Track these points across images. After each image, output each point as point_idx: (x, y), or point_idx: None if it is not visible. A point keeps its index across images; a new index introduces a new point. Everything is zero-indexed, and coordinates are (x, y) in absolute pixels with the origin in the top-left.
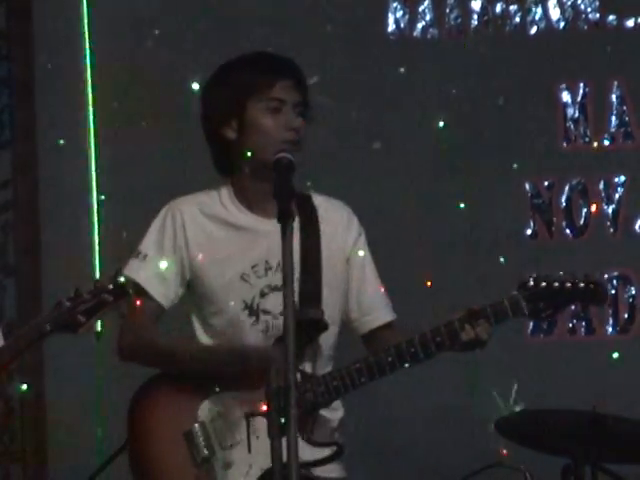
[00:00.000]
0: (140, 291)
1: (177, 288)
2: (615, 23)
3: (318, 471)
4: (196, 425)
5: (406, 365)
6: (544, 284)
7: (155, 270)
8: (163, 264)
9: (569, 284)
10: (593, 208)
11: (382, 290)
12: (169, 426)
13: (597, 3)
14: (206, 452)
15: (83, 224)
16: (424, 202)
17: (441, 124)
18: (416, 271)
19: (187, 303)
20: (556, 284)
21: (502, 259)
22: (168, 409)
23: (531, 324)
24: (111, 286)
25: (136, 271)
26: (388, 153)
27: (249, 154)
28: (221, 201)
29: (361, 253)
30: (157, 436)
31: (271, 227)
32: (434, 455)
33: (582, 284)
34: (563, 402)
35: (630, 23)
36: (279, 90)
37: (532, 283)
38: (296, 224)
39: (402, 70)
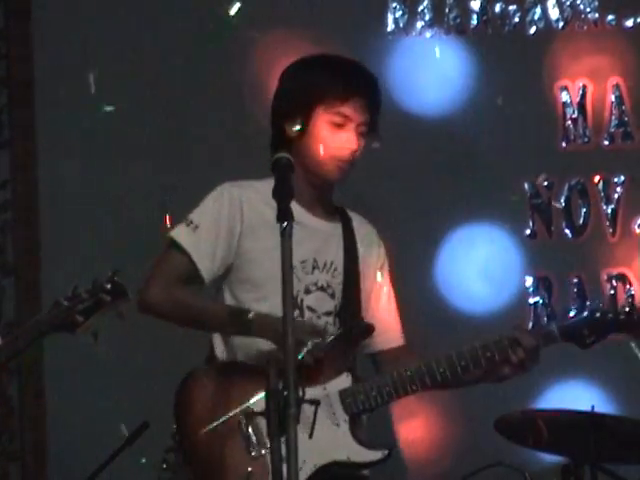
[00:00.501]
0: (185, 254)
1: (220, 268)
2: (614, 23)
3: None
4: (250, 416)
5: (456, 375)
6: (588, 315)
7: (205, 242)
8: (216, 240)
9: (611, 315)
10: (592, 209)
11: (397, 315)
12: (222, 415)
13: (596, 3)
14: (258, 444)
15: (83, 224)
16: (423, 200)
17: (439, 123)
18: (417, 266)
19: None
20: (598, 315)
21: (501, 258)
22: (221, 399)
23: (530, 323)
24: (109, 286)
25: (184, 236)
26: (389, 151)
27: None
28: (258, 190)
29: (386, 274)
30: (211, 403)
31: (321, 226)
32: (434, 455)
33: (623, 316)
34: (563, 402)
35: (629, 23)
36: (349, 107)
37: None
38: (339, 230)
39: (401, 69)
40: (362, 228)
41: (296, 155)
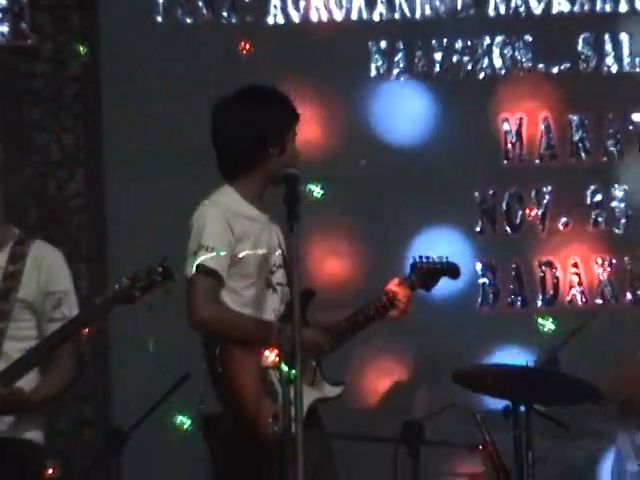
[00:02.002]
0: (215, 276)
1: (227, 271)
2: (544, 69)
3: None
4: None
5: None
6: (426, 266)
7: (222, 259)
8: (224, 255)
9: (439, 265)
10: (527, 211)
11: None
12: (249, 365)
13: (530, 54)
14: (275, 389)
15: (139, 223)
16: (398, 208)
17: (411, 149)
18: (392, 261)
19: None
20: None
21: (458, 249)
22: (248, 355)
23: (479, 299)
24: (160, 269)
25: (209, 261)
26: (372, 171)
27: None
28: (238, 200)
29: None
30: (241, 371)
31: (265, 219)
32: (401, 400)
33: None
34: (507, 358)
35: (555, 70)
36: (297, 126)
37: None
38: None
39: (381, 107)
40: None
41: (265, 166)
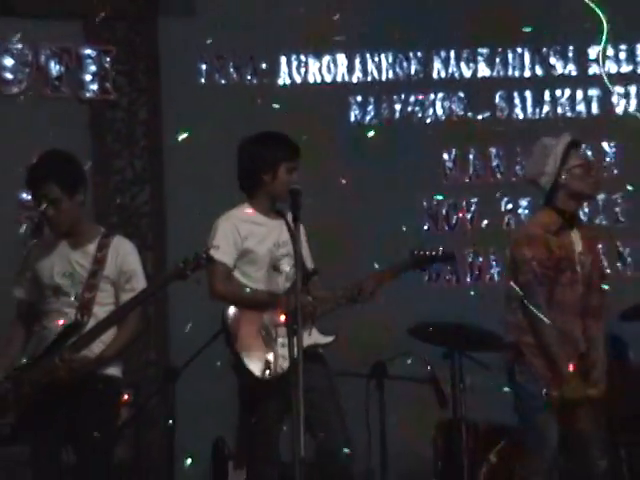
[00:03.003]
0: (224, 265)
1: (236, 259)
2: (472, 117)
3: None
4: (266, 323)
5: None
6: (422, 253)
7: (227, 253)
8: (230, 251)
9: (434, 253)
10: (460, 215)
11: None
12: (253, 322)
13: (462, 106)
14: (274, 340)
15: (192, 220)
16: (360, 213)
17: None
18: (354, 254)
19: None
20: (428, 253)
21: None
22: (252, 316)
23: (426, 277)
24: (204, 255)
25: (216, 254)
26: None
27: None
28: (247, 211)
29: (307, 243)
30: (246, 326)
31: (273, 224)
32: (362, 351)
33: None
34: (445, 318)
35: (480, 117)
36: (296, 162)
37: (417, 252)
38: (282, 223)
39: (358, 146)
40: (289, 216)
41: (265, 188)
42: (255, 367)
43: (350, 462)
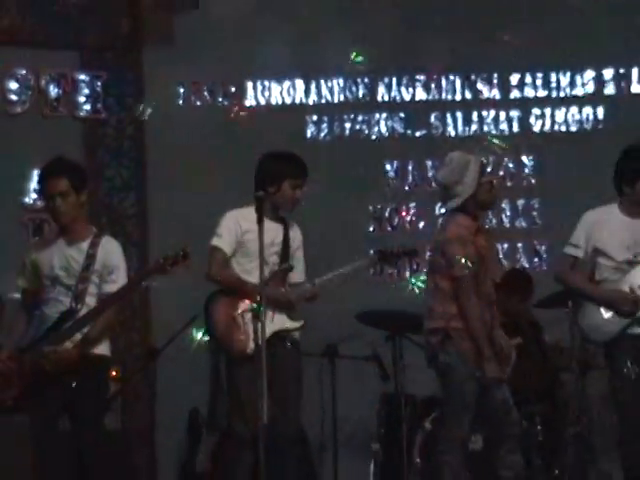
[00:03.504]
0: (222, 252)
1: (233, 250)
2: (411, 134)
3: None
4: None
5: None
6: (388, 250)
7: (226, 242)
8: (230, 241)
9: (399, 250)
10: (400, 219)
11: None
12: (231, 308)
13: (402, 125)
14: (246, 325)
15: (174, 218)
16: (315, 217)
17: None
18: (311, 253)
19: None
20: (393, 250)
21: (362, 242)
22: (230, 301)
23: (372, 271)
24: (182, 253)
25: (217, 242)
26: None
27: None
28: (251, 212)
29: (300, 245)
30: (224, 312)
31: (272, 226)
32: (317, 334)
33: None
34: (387, 306)
35: (418, 134)
36: (301, 181)
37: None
38: (282, 227)
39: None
40: (292, 225)
41: (270, 197)
42: (231, 345)
43: (292, 435)
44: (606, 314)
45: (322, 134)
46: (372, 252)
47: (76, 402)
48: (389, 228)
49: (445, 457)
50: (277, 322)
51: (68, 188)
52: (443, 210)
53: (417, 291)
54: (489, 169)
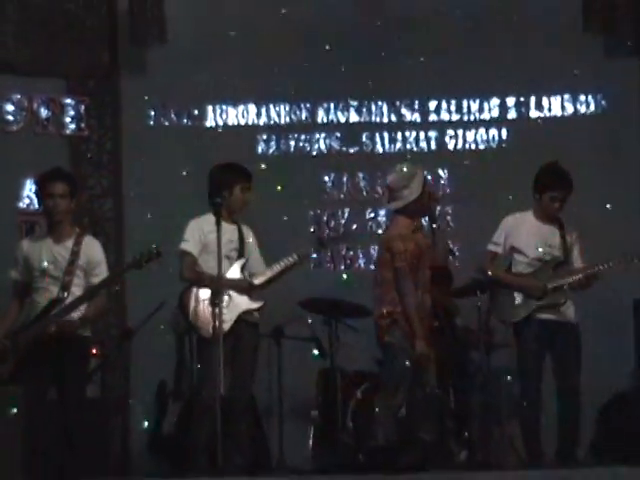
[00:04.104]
0: (190, 255)
1: (198, 252)
2: (345, 150)
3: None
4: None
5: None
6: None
7: (193, 245)
8: (195, 244)
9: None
10: (334, 223)
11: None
12: (201, 297)
13: (339, 143)
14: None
15: (150, 210)
16: (266, 220)
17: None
18: (266, 252)
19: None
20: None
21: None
22: (198, 292)
23: (312, 265)
24: (155, 251)
25: (185, 246)
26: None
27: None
28: (211, 218)
29: (255, 242)
30: (196, 300)
31: (229, 227)
32: (266, 317)
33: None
34: (325, 294)
35: (351, 150)
36: (248, 184)
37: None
38: (236, 227)
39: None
40: (243, 225)
41: (224, 202)
42: (205, 325)
43: (247, 400)
44: (518, 299)
45: (270, 150)
46: (297, 253)
47: (63, 374)
48: (327, 230)
49: (382, 420)
50: (242, 303)
51: (65, 192)
52: (372, 215)
53: (350, 282)
54: None
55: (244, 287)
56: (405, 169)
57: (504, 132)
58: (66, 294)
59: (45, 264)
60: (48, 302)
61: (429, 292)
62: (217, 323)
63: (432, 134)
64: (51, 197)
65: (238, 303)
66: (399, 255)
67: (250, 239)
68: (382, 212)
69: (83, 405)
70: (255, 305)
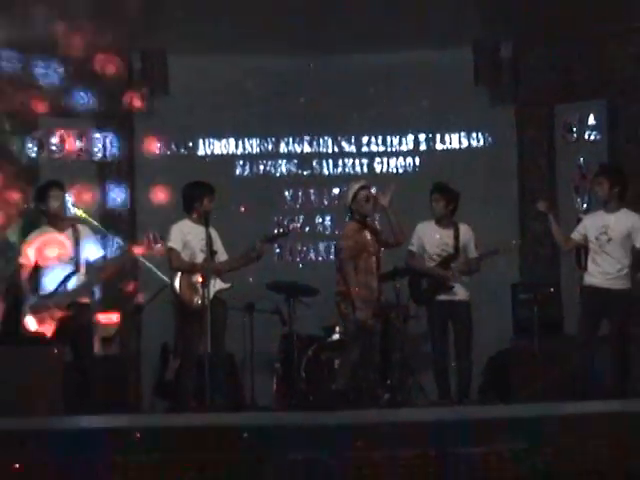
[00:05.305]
0: (175, 250)
1: (182, 248)
2: (300, 173)
3: None
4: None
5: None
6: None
7: (176, 243)
8: (179, 243)
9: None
10: (294, 226)
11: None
12: (190, 279)
13: (294, 166)
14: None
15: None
16: (241, 225)
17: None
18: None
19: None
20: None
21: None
22: (188, 277)
23: (276, 258)
24: (159, 237)
25: (171, 244)
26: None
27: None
28: (188, 222)
29: (219, 241)
30: (185, 282)
31: (201, 229)
32: (240, 296)
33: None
34: (286, 278)
35: (305, 172)
36: (213, 196)
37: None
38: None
39: (238, 186)
40: (210, 227)
41: (197, 210)
42: (189, 301)
43: (222, 354)
44: (424, 284)
45: (245, 172)
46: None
47: (77, 338)
48: (283, 228)
49: (340, 370)
50: (217, 285)
51: (61, 196)
52: (320, 220)
53: (305, 269)
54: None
55: (215, 270)
56: (351, 185)
57: (417, 160)
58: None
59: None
60: (65, 275)
61: (374, 275)
62: (203, 299)
63: (364, 161)
64: (51, 198)
65: (213, 284)
66: (340, 250)
67: (216, 236)
68: (328, 218)
69: (94, 361)
70: (225, 286)
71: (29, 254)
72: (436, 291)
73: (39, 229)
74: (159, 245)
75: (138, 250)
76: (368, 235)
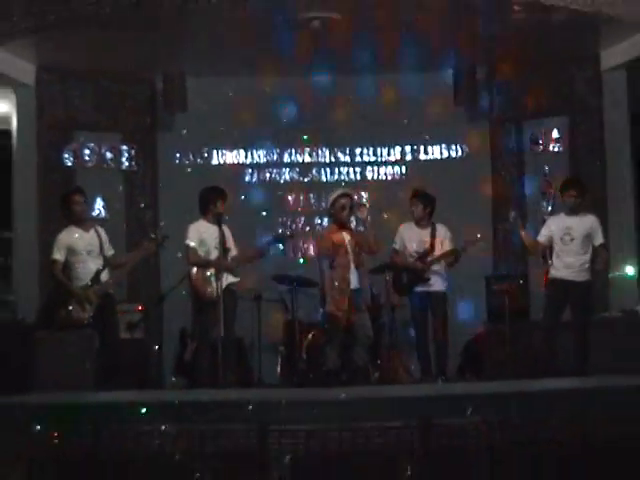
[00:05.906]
0: (193, 248)
1: (198, 245)
2: (301, 180)
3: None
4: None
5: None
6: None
7: (194, 240)
8: (195, 240)
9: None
10: (296, 226)
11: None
12: (203, 272)
13: (294, 174)
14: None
15: (173, 209)
16: (252, 226)
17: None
18: (247, 245)
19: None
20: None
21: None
22: (203, 271)
23: (272, 252)
24: (161, 235)
25: (188, 241)
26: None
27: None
28: (203, 222)
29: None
30: (200, 275)
31: (215, 228)
32: (251, 286)
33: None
34: (289, 272)
35: (306, 179)
36: (225, 199)
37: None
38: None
39: (246, 192)
40: (224, 226)
41: (212, 211)
42: (204, 292)
43: (233, 338)
44: (404, 278)
45: (254, 179)
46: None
47: (105, 324)
48: (287, 232)
49: (328, 353)
50: (228, 278)
51: (84, 200)
52: (319, 221)
53: (305, 264)
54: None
55: (227, 266)
56: (334, 192)
57: (403, 169)
58: (104, 267)
59: (86, 246)
60: (96, 270)
61: (349, 269)
62: (218, 291)
63: (357, 169)
64: (78, 203)
65: (225, 277)
66: (317, 249)
67: (228, 235)
68: (325, 219)
69: (120, 344)
70: (235, 280)
71: (60, 251)
72: (415, 283)
73: (67, 229)
74: (161, 242)
75: (149, 246)
76: (345, 235)
